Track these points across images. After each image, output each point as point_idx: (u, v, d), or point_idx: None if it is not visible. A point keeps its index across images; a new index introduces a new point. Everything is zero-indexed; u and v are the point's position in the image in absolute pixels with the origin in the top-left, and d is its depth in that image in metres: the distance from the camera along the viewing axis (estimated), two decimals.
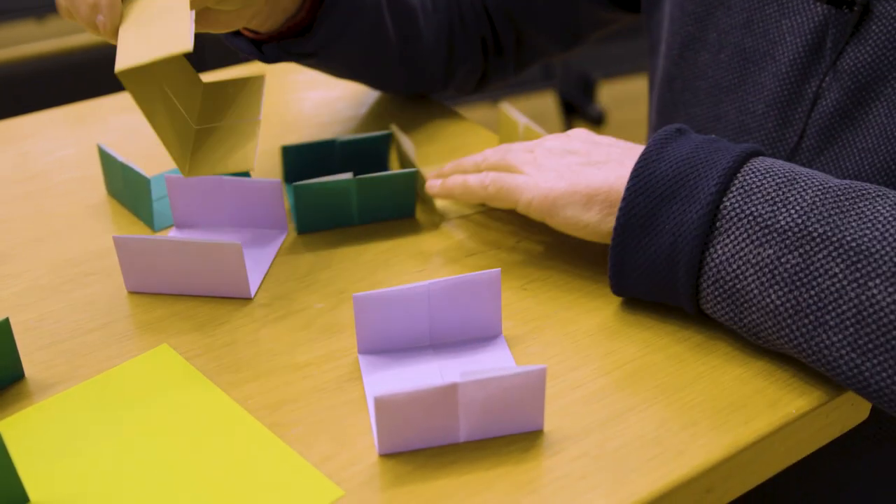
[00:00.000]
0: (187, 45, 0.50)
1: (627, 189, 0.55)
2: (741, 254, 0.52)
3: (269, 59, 0.72)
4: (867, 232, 0.49)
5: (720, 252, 0.53)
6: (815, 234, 0.50)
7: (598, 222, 0.58)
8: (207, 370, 0.55)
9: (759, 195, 0.52)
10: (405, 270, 0.63)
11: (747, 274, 0.52)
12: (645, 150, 0.56)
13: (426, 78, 0.83)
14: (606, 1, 0.83)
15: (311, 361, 0.55)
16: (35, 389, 0.54)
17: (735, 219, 0.52)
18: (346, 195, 0.65)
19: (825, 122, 0.63)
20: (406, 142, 0.70)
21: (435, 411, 0.47)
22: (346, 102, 0.89)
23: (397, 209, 0.68)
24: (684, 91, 0.72)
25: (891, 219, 0.49)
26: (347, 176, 0.64)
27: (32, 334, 0.59)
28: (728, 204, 0.53)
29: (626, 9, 0.84)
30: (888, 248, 0.48)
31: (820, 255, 0.50)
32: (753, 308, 0.52)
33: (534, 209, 0.60)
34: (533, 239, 0.66)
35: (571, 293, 0.60)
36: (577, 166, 0.60)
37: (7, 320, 0.53)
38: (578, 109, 2.72)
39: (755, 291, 0.52)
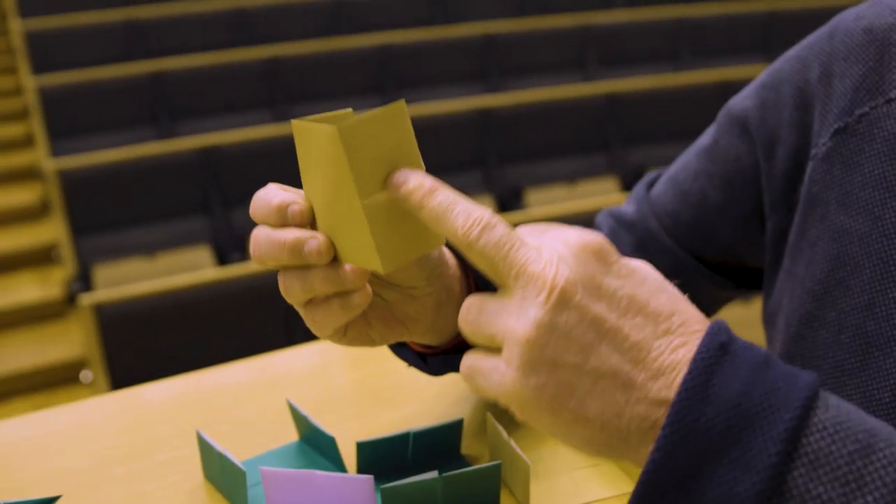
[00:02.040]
0: None
1: (663, 439, 0.44)
2: None
3: (434, 371, 0.74)
4: None
5: None
6: None
7: (604, 450, 0.47)
8: None
9: (830, 468, 0.43)
10: None
11: None
12: (686, 383, 0.45)
13: None
14: (730, 285, 0.85)
15: None
16: None
17: (799, 500, 0.43)
18: (432, 494, 0.65)
19: None
20: (504, 434, 0.70)
21: None
22: (426, 379, 0.90)
23: (482, 500, 0.68)
24: (804, 369, 0.70)
25: None
26: (433, 474, 0.65)
27: None
28: (792, 480, 0.43)
29: (749, 287, 0.86)
30: None
31: None
32: None
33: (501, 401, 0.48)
34: None
35: None
36: (582, 376, 0.46)
37: None
38: None
39: None
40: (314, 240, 0.59)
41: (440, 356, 0.73)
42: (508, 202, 3.74)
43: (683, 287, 0.84)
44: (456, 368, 0.73)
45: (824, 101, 0.71)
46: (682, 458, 0.44)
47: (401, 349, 0.75)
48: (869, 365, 0.65)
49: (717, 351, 0.46)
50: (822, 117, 0.71)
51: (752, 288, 0.86)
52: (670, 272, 0.84)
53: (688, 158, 0.86)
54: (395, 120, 0.55)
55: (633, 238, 0.86)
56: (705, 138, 0.85)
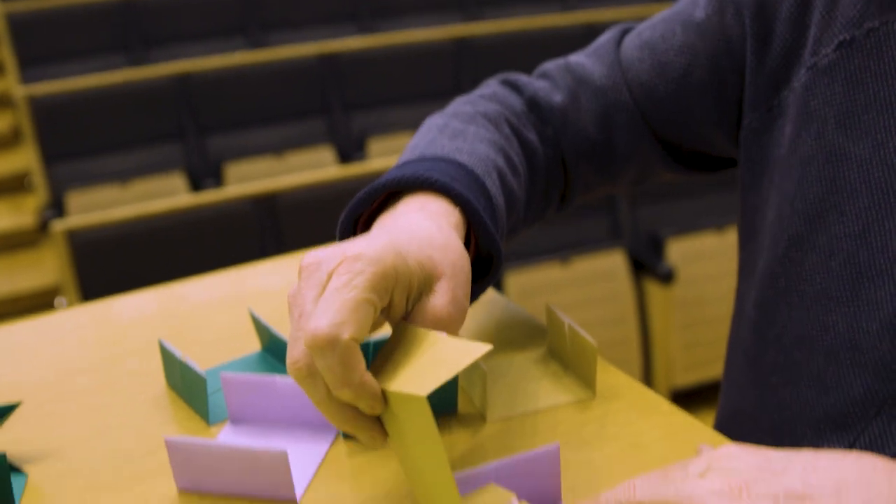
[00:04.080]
0: (479, 349, 0.50)
1: None
2: None
3: None
4: None
5: None
6: None
7: None
8: None
9: None
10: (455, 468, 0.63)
11: None
12: None
13: (529, 226, 0.84)
14: (681, 168, 0.83)
15: None
16: None
17: None
18: None
19: None
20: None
21: None
22: None
23: (441, 406, 0.68)
24: (789, 292, 0.69)
25: None
26: None
27: None
28: None
29: (699, 169, 0.84)
30: None
31: None
32: None
33: None
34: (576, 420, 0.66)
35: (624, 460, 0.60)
36: None
37: None
38: (648, 267, 2.73)
39: None
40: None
41: None
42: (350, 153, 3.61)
43: (635, 164, 0.83)
44: None
45: (829, 5, 0.66)
46: None
47: None
48: (859, 294, 0.64)
49: None
50: (825, 22, 0.67)
51: (702, 170, 0.84)
52: (627, 149, 0.82)
53: (670, 27, 0.79)
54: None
55: (598, 107, 0.81)
56: (695, 10, 0.78)
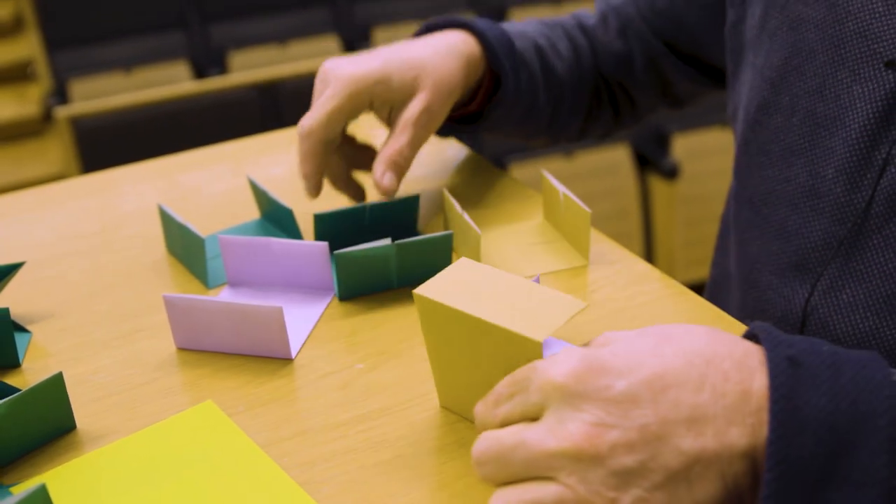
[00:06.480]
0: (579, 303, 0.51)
1: (771, 483, 0.41)
2: None
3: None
4: None
5: None
6: None
7: None
8: (247, 427, 0.57)
9: None
10: None
11: None
12: (775, 419, 0.42)
13: (564, 137, 0.94)
14: (698, 76, 0.90)
15: (346, 421, 0.57)
16: (86, 440, 0.57)
17: None
18: (385, 261, 0.67)
19: (893, 189, 0.62)
20: (457, 206, 0.72)
21: None
22: None
23: (434, 270, 0.69)
24: (759, 154, 0.73)
25: None
26: (386, 242, 0.66)
27: (86, 387, 0.61)
28: None
29: (717, 82, 0.90)
30: None
31: None
32: None
33: None
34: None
35: None
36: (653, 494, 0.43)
37: (60, 374, 0.56)
38: (652, 162, 2.71)
39: None
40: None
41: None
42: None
43: (657, 75, 0.90)
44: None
45: None
46: (794, 495, 0.42)
47: None
48: (816, 144, 0.67)
49: (788, 368, 0.43)
50: None
51: (720, 83, 0.90)
52: (645, 58, 0.89)
53: None
54: None
55: (618, 23, 0.91)
56: None
